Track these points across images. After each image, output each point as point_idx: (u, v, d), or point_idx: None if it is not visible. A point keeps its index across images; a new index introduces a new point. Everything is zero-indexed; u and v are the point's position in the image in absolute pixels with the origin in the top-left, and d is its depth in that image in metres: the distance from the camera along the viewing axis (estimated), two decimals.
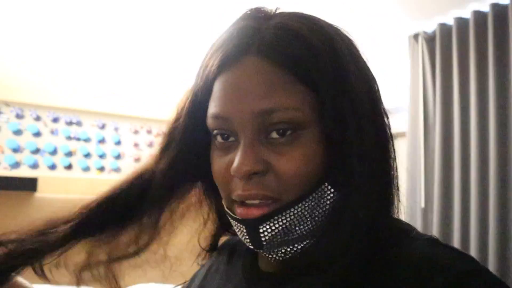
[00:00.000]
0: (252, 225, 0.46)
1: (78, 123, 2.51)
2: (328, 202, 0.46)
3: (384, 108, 0.51)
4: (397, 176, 0.50)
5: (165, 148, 0.55)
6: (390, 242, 0.45)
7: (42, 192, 2.33)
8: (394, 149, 0.50)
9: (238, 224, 0.48)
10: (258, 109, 0.44)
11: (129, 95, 2.62)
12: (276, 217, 0.45)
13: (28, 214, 2.29)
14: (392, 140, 0.51)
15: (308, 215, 0.46)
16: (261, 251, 0.49)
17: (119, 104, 2.58)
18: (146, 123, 2.70)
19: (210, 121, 0.48)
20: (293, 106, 0.44)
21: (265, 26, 0.47)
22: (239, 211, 0.47)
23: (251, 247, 0.48)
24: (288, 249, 0.48)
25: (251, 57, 0.45)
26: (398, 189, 0.50)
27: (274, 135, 0.45)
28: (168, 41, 2.54)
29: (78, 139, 2.50)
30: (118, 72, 2.58)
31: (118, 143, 2.61)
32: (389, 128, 0.50)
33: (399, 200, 0.50)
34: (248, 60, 0.45)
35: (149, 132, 2.72)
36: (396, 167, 0.50)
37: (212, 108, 0.47)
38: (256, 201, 0.46)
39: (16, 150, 2.34)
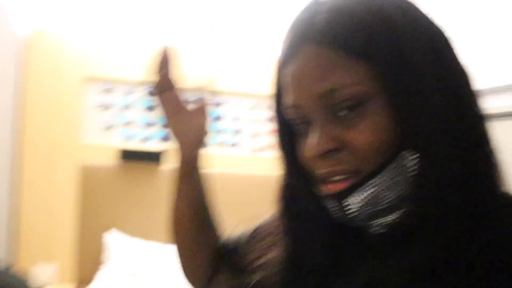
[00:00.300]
0: (336, 200, 0.49)
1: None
2: (410, 170, 0.47)
3: (461, 69, 0.51)
4: (489, 139, 0.50)
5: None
6: (495, 214, 0.46)
7: (167, 163, 2.53)
8: (479, 111, 0.50)
9: (325, 202, 0.51)
10: (320, 91, 0.48)
11: (242, 73, 2.60)
12: (358, 189, 0.47)
13: (156, 184, 2.54)
14: (474, 97, 0.50)
15: (392, 184, 0.47)
16: (353, 225, 0.51)
17: (235, 82, 2.60)
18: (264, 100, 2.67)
19: (286, 113, 0.53)
20: (352, 82, 0.47)
21: (317, 13, 0.50)
22: (323, 188, 0.50)
23: (340, 219, 0.50)
24: (382, 221, 0.49)
25: (307, 46, 0.49)
26: (494, 157, 0.49)
27: (342, 112, 0.48)
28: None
29: None
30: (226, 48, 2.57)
31: (235, 119, 2.65)
32: (466, 85, 0.50)
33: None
34: (305, 49, 0.49)
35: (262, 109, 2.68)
36: (485, 131, 0.50)
37: (284, 100, 0.53)
38: (337, 177, 0.48)
39: (148, 124, 2.58)
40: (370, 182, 0.47)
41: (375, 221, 0.49)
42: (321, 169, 0.49)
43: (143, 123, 2.57)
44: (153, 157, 2.48)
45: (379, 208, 0.48)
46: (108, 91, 2.52)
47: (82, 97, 2.49)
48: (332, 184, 0.49)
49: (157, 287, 2.24)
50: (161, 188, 2.50)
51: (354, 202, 0.47)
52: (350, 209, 0.48)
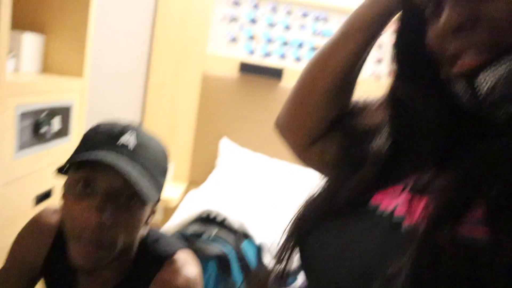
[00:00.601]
0: (467, 78, 0.44)
1: (325, 19, 2.57)
2: None
3: None
4: None
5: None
6: None
7: (286, 81, 2.58)
8: None
9: (453, 86, 0.46)
10: None
11: None
12: (493, 65, 0.42)
13: (273, 99, 2.61)
14: None
15: None
16: (479, 112, 0.46)
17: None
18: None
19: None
20: None
21: None
22: (454, 69, 0.45)
23: (471, 103, 0.45)
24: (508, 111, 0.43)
25: None
26: None
27: None
28: None
29: (323, 35, 2.58)
30: None
31: None
32: None
33: None
34: None
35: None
36: None
37: None
38: (470, 54, 0.43)
39: (268, 41, 2.62)
40: (507, 57, 0.41)
41: (505, 107, 0.44)
42: (452, 46, 0.44)
43: (265, 38, 2.62)
44: (272, 73, 2.54)
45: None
46: (236, 3, 2.60)
47: (211, 9, 2.59)
48: (464, 61, 0.44)
49: (259, 196, 2.35)
50: (277, 104, 2.54)
51: (487, 79, 0.42)
52: (482, 87, 0.43)
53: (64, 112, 1.44)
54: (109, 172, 0.68)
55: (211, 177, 2.58)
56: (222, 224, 1.69)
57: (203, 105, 2.67)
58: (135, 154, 0.71)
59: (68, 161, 0.72)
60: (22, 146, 1.20)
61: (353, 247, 0.47)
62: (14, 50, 1.27)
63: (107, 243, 0.69)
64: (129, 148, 0.71)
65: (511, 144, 0.41)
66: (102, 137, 0.72)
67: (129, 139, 0.72)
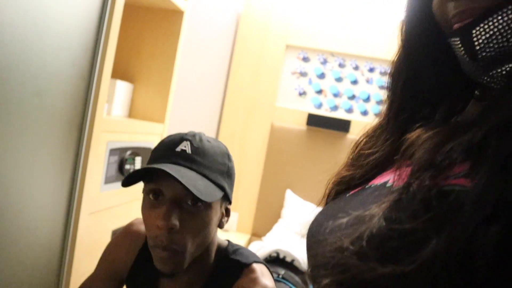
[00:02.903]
0: (465, 30, 0.44)
1: None
2: None
3: None
4: None
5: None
6: None
7: (354, 134, 2.59)
8: None
9: (454, 40, 0.46)
10: None
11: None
12: (491, 17, 0.41)
13: (340, 151, 2.61)
14: None
15: None
16: (475, 70, 0.45)
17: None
18: None
19: None
20: None
21: None
22: (455, 26, 0.45)
23: (467, 59, 0.45)
24: (501, 70, 0.42)
25: None
26: None
27: None
28: None
29: None
30: None
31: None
32: None
33: None
34: None
35: None
36: None
37: None
38: (469, 11, 0.43)
39: (336, 95, 2.68)
40: (502, 11, 0.40)
41: (499, 68, 0.43)
42: (455, 9, 0.44)
43: (332, 92, 2.69)
44: (339, 125, 2.57)
45: (509, 44, 0.41)
46: (305, 59, 2.72)
47: (282, 64, 2.73)
48: (462, 17, 0.43)
49: None
50: (343, 157, 2.54)
51: (483, 32, 0.42)
52: (477, 40, 0.42)
53: (145, 153, 1.56)
54: (171, 180, 0.73)
55: (275, 228, 2.58)
56: (290, 265, 1.68)
57: (270, 156, 2.74)
58: (192, 158, 0.77)
59: (129, 175, 0.79)
60: (108, 180, 1.32)
61: (340, 210, 0.46)
62: (108, 96, 1.43)
63: (179, 246, 0.74)
64: (186, 154, 0.77)
65: (501, 106, 0.39)
66: (163, 148, 0.80)
67: (186, 145, 0.78)
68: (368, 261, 0.35)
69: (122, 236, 0.93)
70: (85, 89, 1.11)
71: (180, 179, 0.71)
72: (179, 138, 0.81)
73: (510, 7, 0.40)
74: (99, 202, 1.28)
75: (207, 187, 0.75)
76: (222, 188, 0.79)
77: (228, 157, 0.84)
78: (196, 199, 0.75)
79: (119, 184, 1.40)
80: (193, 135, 0.82)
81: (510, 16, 0.40)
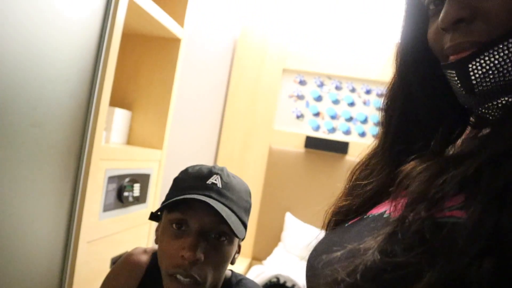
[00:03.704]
0: (461, 64, 0.45)
1: None
2: None
3: None
4: None
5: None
6: None
7: (352, 155, 2.60)
8: None
9: (449, 72, 0.47)
10: None
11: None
12: (487, 53, 0.42)
13: (338, 174, 2.61)
14: None
15: None
16: (471, 102, 0.45)
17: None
18: None
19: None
20: None
21: None
22: (451, 58, 0.46)
23: (463, 92, 0.45)
24: (500, 101, 0.43)
25: None
26: None
27: None
28: None
29: None
30: None
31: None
32: None
33: None
34: None
35: None
36: None
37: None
38: (466, 45, 0.44)
39: (333, 117, 2.70)
40: (498, 47, 0.41)
41: (495, 100, 0.43)
42: (448, 42, 0.45)
43: (330, 115, 2.70)
44: (337, 147, 2.58)
45: (505, 79, 0.42)
46: (302, 82, 2.75)
47: (279, 88, 2.76)
48: (460, 52, 0.44)
49: None
50: (343, 178, 2.55)
51: (479, 67, 0.43)
52: (473, 74, 0.43)
53: (143, 180, 1.55)
54: (200, 211, 0.74)
55: (275, 252, 2.56)
56: None
57: (269, 179, 2.74)
58: (223, 193, 0.77)
59: (164, 204, 0.79)
60: (106, 208, 1.31)
61: (338, 240, 0.46)
62: (106, 123, 1.44)
63: (200, 279, 0.73)
64: (217, 187, 0.78)
65: (496, 138, 0.40)
66: (192, 178, 0.80)
67: (216, 179, 0.79)
68: None
69: (121, 266, 0.92)
70: (83, 117, 1.12)
71: (221, 212, 0.72)
72: (208, 171, 0.81)
73: (505, 43, 0.41)
74: (97, 231, 1.27)
75: (238, 222, 0.76)
76: (245, 225, 0.80)
77: (250, 195, 0.86)
78: (221, 233, 0.75)
79: (117, 211, 1.40)
80: (221, 169, 0.83)
81: (506, 52, 0.41)
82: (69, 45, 1.00)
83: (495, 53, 0.42)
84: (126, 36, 1.54)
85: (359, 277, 0.36)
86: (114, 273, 0.93)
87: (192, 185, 0.79)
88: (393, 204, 0.42)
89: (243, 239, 0.86)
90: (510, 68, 0.42)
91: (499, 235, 0.31)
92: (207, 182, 0.78)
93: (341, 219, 0.55)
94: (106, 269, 1.35)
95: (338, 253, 0.42)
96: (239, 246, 0.86)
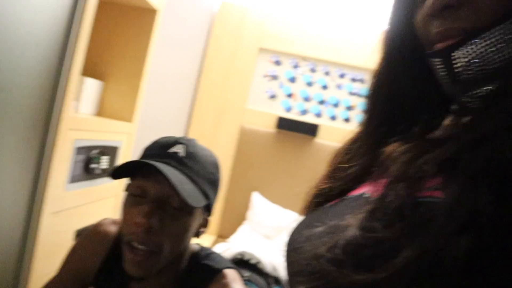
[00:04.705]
0: (447, 52, 0.45)
1: (362, 80, 2.66)
2: None
3: None
4: None
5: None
6: None
7: (321, 138, 2.63)
8: None
9: (434, 60, 0.47)
10: None
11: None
12: (472, 41, 0.43)
13: (307, 156, 2.65)
14: None
15: (509, 41, 0.42)
16: (454, 90, 0.46)
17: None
18: None
19: None
20: None
21: None
22: (438, 45, 0.46)
23: (447, 79, 0.46)
24: (480, 91, 0.44)
25: None
26: None
27: None
28: None
29: (359, 95, 2.66)
30: None
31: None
32: None
33: None
34: None
35: None
36: None
37: None
38: (452, 33, 0.45)
39: (306, 99, 2.72)
40: (483, 35, 0.42)
41: (478, 89, 0.44)
42: (437, 28, 0.45)
43: (303, 96, 2.72)
44: (308, 129, 2.61)
45: (488, 67, 0.43)
46: (277, 62, 2.74)
47: (254, 66, 2.74)
48: (446, 40, 0.45)
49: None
50: (311, 160, 2.62)
51: (463, 56, 0.43)
52: (458, 62, 0.44)
53: (112, 152, 1.52)
54: (158, 180, 0.73)
55: (240, 230, 2.59)
56: (255, 267, 1.69)
57: (239, 158, 2.74)
58: (184, 162, 0.77)
59: (114, 168, 0.78)
60: (73, 179, 1.28)
61: (319, 218, 0.47)
62: (76, 93, 1.39)
63: (155, 248, 0.73)
64: (178, 156, 0.77)
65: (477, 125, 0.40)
66: (157, 147, 0.80)
67: (180, 148, 0.78)
68: (342, 268, 0.36)
69: (89, 236, 0.91)
70: (53, 85, 1.08)
71: (170, 178, 0.70)
72: (174, 141, 0.80)
73: (488, 32, 0.42)
74: (63, 202, 1.25)
75: (194, 192, 0.75)
76: (207, 196, 0.79)
77: (218, 168, 0.85)
78: (180, 204, 0.74)
79: (85, 183, 1.37)
80: (188, 139, 0.82)
81: (488, 41, 0.42)
82: (40, 7, 0.95)
83: (479, 42, 0.43)
84: (102, 3, 1.48)
85: (340, 252, 0.37)
86: (81, 243, 0.91)
87: (155, 153, 0.79)
88: (374, 184, 0.43)
89: (210, 214, 0.86)
90: (493, 57, 0.42)
91: (476, 215, 0.32)
92: (170, 151, 0.78)
93: (321, 201, 0.56)
94: (69, 241, 1.33)
95: (319, 229, 0.43)
96: (206, 220, 0.86)
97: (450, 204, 0.34)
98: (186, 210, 0.76)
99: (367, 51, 2.57)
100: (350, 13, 2.65)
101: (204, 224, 0.85)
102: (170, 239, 0.75)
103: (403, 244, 0.33)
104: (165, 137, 0.83)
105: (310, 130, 2.60)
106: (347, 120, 2.66)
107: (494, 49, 0.42)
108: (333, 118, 2.69)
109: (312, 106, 2.70)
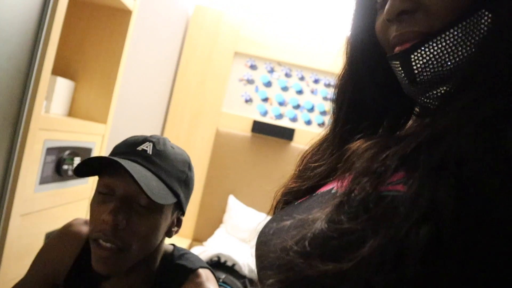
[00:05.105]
0: (404, 55, 0.48)
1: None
2: (482, 31, 0.44)
3: None
4: None
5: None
6: None
7: (297, 142, 2.66)
8: None
9: (394, 63, 0.50)
10: None
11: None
12: (427, 44, 0.45)
13: (283, 159, 2.67)
14: None
15: (461, 43, 0.44)
16: (414, 92, 0.49)
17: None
18: None
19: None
20: None
21: None
22: (396, 49, 0.49)
23: (406, 81, 0.49)
24: (437, 92, 0.47)
25: None
26: None
27: None
28: None
29: None
30: None
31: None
32: None
33: None
34: None
35: None
36: None
37: None
38: (409, 36, 0.47)
39: (281, 103, 2.74)
40: (440, 37, 0.45)
41: (435, 90, 0.47)
42: (393, 32, 0.48)
43: (278, 101, 2.74)
44: (284, 133, 2.63)
45: (443, 69, 0.46)
46: (253, 66, 2.75)
47: (230, 70, 2.75)
48: (403, 44, 0.48)
49: None
50: (288, 164, 2.60)
51: (420, 58, 0.46)
52: (415, 64, 0.47)
53: (85, 154, 1.50)
54: (125, 177, 0.73)
55: (216, 234, 2.58)
56: (231, 269, 1.69)
57: (214, 162, 2.74)
58: (152, 160, 0.77)
59: (82, 162, 0.77)
60: (43, 180, 1.26)
61: (289, 213, 0.49)
62: (47, 92, 1.37)
63: (121, 245, 0.73)
64: (146, 154, 0.77)
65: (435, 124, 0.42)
66: (125, 145, 0.80)
67: (148, 146, 0.78)
68: (310, 260, 0.37)
69: (59, 236, 0.89)
70: (22, 84, 1.06)
71: (133, 174, 0.70)
72: (143, 139, 0.80)
73: (443, 35, 0.44)
74: (32, 204, 1.22)
75: (161, 189, 0.74)
76: (176, 194, 0.79)
77: (189, 166, 0.84)
78: (148, 201, 0.74)
79: (55, 185, 1.34)
80: (158, 138, 0.82)
81: (443, 43, 0.45)
82: (10, 4, 0.93)
83: (434, 44, 0.45)
84: (75, 2, 1.46)
85: (307, 244, 0.38)
86: (52, 243, 0.89)
87: (123, 151, 0.78)
88: (340, 180, 0.44)
89: (183, 214, 0.85)
90: (447, 59, 0.45)
91: (435, 206, 0.34)
92: (138, 149, 0.78)
93: (290, 200, 0.57)
94: (39, 244, 1.30)
95: (288, 222, 0.44)
96: (179, 220, 0.85)
97: (411, 197, 0.35)
98: (154, 208, 0.75)
99: (340, 57, 2.62)
100: (324, 20, 2.70)
101: (177, 223, 0.85)
102: (137, 237, 0.74)
103: (368, 235, 0.35)
104: (135, 136, 0.83)
105: (286, 134, 2.62)
106: (322, 124, 2.70)
107: (449, 50, 0.45)
108: (308, 122, 2.72)
109: (287, 110, 2.73)
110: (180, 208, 0.83)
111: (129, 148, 0.79)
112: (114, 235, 0.72)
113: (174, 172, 0.79)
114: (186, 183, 0.82)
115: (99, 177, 0.79)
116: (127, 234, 0.73)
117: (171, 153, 0.81)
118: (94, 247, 0.74)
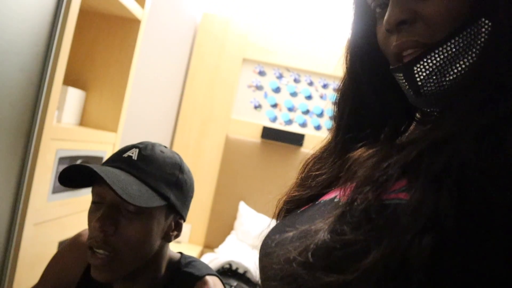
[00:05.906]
0: (407, 67, 0.48)
1: None
2: (483, 39, 0.44)
3: None
4: None
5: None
6: None
7: (307, 148, 2.65)
8: None
9: (397, 75, 0.50)
10: None
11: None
12: (429, 55, 0.46)
13: (293, 165, 2.66)
14: None
15: (463, 53, 0.44)
16: (420, 103, 0.49)
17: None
18: None
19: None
20: None
21: None
22: (399, 63, 0.49)
23: (411, 93, 0.49)
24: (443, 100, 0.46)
25: None
26: None
27: None
28: None
29: None
30: None
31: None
32: None
33: None
34: None
35: None
36: None
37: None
38: (409, 50, 0.48)
39: (290, 109, 2.74)
40: (441, 47, 0.45)
41: (439, 103, 0.47)
42: (394, 42, 0.48)
43: (287, 107, 2.74)
44: (293, 139, 2.62)
45: (445, 79, 0.46)
46: (261, 73, 2.76)
47: (238, 77, 2.76)
48: (405, 56, 0.48)
49: None
50: (297, 169, 2.60)
51: (423, 69, 0.46)
52: (418, 76, 0.47)
53: (96, 162, 1.51)
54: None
55: (227, 240, 2.57)
56: (243, 276, 1.68)
57: (224, 168, 2.74)
58: (135, 165, 0.77)
59: (61, 172, 0.77)
60: (56, 190, 1.27)
61: (291, 223, 0.48)
62: (58, 102, 1.39)
63: (111, 252, 0.73)
64: (130, 159, 0.78)
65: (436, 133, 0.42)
66: (115, 154, 0.81)
67: (133, 152, 0.79)
68: (314, 271, 0.37)
69: (70, 246, 0.90)
70: (35, 95, 1.07)
71: (106, 178, 0.70)
72: (131, 146, 0.81)
73: (444, 46, 0.45)
74: (45, 213, 1.23)
75: (143, 192, 0.74)
76: (164, 197, 0.78)
77: (180, 168, 0.83)
78: (136, 207, 0.74)
79: (67, 194, 1.35)
80: (146, 144, 0.82)
81: (446, 54, 0.45)
82: (22, 16, 0.95)
83: (436, 55, 0.45)
84: (84, 13, 1.48)
85: (310, 255, 0.38)
86: (62, 253, 0.90)
87: (111, 159, 0.80)
88: (343, 188, 0.44)
89: (183, 218, 0.84)
90: (450, 69, 0.45)
91: (438, 215, 0.34)
92: (123, 155, 0.79)
93: (292, 208, 0.57)
94: (52, 252, 1.31)
95: (290, 233, 0.44)
96: (178, 224, 0.84)
97: (413, 205, 0.35)
98: (143, 212, 0.76)
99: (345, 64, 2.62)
100: (332, 24, 2.70)
101: (176, 227, 0.84)
102: (128, 242, 0.74)
103: (371, 245, 0.35)
104: (128, 145, 0.84)
105: (296, 139, 2.61)
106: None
107: (451, 60, 0.45)
108: (318, 127, 2.71)
109: (297, 116, 2.73)
110: (175, 211, 0.82)
111: (117, 156, 0.80)
112: (104, 241, 0.73)
113: (162, 175, 0.79)
114: (178, 185, 0.81)
115: (92, 187, 0.80)
116: (118, 240, 0.74)
117: (159, 157, 0.81)
118: (89, 255, 0.75)
